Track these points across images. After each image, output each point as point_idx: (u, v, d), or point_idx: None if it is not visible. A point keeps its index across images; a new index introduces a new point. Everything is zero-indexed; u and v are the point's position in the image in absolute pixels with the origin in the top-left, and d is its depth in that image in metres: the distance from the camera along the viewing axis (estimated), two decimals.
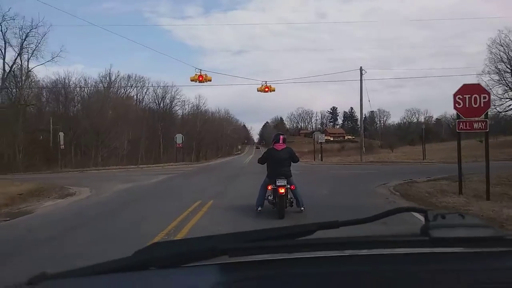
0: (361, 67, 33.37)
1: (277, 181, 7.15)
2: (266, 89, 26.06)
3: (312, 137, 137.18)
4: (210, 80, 23.28)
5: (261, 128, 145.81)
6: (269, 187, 7.42)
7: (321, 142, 36.12)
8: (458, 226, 0.78)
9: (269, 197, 7.54)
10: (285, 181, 7.18)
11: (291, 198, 7.52)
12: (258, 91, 26.33)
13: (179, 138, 36.97)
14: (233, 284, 0.78)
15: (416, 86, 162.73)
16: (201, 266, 0.87)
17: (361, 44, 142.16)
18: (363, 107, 33.67)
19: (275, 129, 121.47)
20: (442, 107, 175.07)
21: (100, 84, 62.32)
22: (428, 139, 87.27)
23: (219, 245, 0.83)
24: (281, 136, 7.94)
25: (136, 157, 52.64)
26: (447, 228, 0.77)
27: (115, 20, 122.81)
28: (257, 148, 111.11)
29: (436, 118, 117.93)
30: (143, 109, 63.58)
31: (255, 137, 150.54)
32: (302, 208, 7.52)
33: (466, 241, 0.78)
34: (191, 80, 22.85)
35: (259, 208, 7.50)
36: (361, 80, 33.13)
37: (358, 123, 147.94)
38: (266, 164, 7.80)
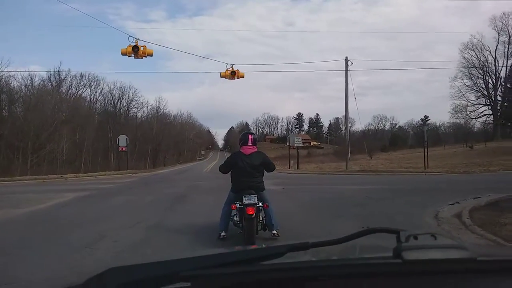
0: (346, 57, 27.05)
1: (244, 198, 5.03)
2: (232, 75, 18.96)
3: (278, 142, 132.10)
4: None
5: (226, 133, 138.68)
6: (234, 206, 5.18)
7: (297, 146, 29.46)
8: (431, 247, 0.75)
9: (234, 217, 5.32)
10: (255, 197, 5.06)
11: (264, 219, 5.29)
12: (221, 76, 19.17)
13: (122, 140, 29.10)
14: None
15: (379, 95, 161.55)
16: None
17: (328, 53, 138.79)
18: (348, 106, 27.28)
19: (240, 134, 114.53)
20: (406, 115, 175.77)
21: (49, 83, 53.78)
22: (398, 146, 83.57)
23: (180, 270, 0.75)
24: (250, 136, 5.63)
25: (79, 163, 44.01)
26: (419, 249, 0.74)
27: (78, 21, 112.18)
28: (221, 150, 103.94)
29: (399, 126, 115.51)
30: (93, 111, 54.98)
31: (220, 142, 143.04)
32: (275, 232, 5.29)
33: (439, 262, 0.74)
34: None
35: (223, 234, 5.36)
36: (346, 72, 26.80)
37: (323, 129, 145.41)
38: (230, 173, 5.49)
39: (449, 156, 33.80)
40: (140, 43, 15.38)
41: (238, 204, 5.14)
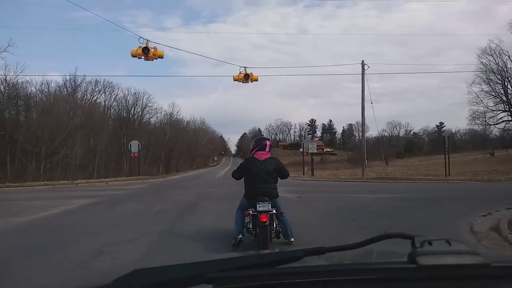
0: (362, 61, 26.20)
1: (258, 205, 4.89)
2: (246, 78, 18.29)
3: (291, 148, 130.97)
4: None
5: (239, 139, 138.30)
6: (247, 213, 5.04)
7: (311, 153, 28.56)
8: (445, 253, 0.76)
9: (248, 224, 5.18)
10: (269, 204, 4.92)
11: (278, 226, 5.15)
12: (235, 80, 18.53)
13: (134, 145, 28.59)
14: None
15: (392, 102, 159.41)
16: None
17: (341, 59, 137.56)
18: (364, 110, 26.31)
19: (252, 140, 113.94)
20: (419, 122, 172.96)
21: (64, 89, 54.20)
22: (414, 153, 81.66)
23: (203, 273, 0.78)
24: (268, 142, 5.51)
25: (92, 169, 43.87)
26: (434, 255, 0.75)
27: (94, 27, 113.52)
28: (234, 156, 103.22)
29: (413, 132, 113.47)
30: (107, 116, 55.03)
31: (233, 148, 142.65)
32: (292, 240, 5.25)
33: (453, 268, 0.75)
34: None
35: (240, 236, 5.13)
36: (362, 76, 25.90)
37: (337, 135, 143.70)
38: (244, 179, 5.34)
39: (469, 163, 32.47)
40: (151, 45, 14.84)
41: (251, 211, 5.00)
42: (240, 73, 18.34)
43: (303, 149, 29.26)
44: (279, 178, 5.38)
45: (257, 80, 18.61)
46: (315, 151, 28.44)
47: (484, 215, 8.58)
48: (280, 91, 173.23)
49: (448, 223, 7.65)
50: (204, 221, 8.03)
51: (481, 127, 65.67)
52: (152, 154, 56.33)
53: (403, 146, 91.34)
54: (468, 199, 11.98)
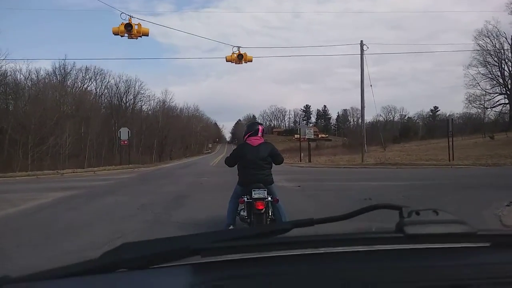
0: (361, 41, 24.88)
1: (253, 192, 4.63)
2: (239, 59, 16.93)
3: (286, 135, 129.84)
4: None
5: (233, 126, 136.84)
6: (242, 201, 4.76)
7: (308, 138, 27.37)
8: (432, 222, 0.76)
9: (241, 212, 4.85)
10: (265, 191, 4.66)
11: (273, 215, 4.77)
12: (227, 61, 17.17)
13: (124, 133, 27.13)
14: (206, 285, 0.73)
15: (386, 87, 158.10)
16: (172, 266, 0.80)
17: (334, 43, 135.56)
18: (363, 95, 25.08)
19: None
20: (413, 106, 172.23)
21: (54, 77, 52.45)
22: (409, 138, 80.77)
23: (191, 244, 0.77)
24: (260, 127, 5.15)
25: (83, 158, 42.47)
26: (421, 224, 0.75)
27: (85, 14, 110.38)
28: (228, 143, 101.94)
29: (408, 117, 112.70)
30: (99, 104, 53.30)
31: (227, 135, 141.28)
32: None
33: (440, 237, 0.76)
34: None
35: (231, 227, 4.74)
36: (361, 57, 24.63)
37: (331, 121, 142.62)
38: (237, 166, 5.04)
39: (470, 147, 31.48)
40: (134, 22, 13.43)
41: (246, 198, 4.74)
42: (233, 53, 16.98)
43: (299, 135, 28.03)
44: (274, 164, 5.10)
45: (251, 61, 17.28)
46: (312, 136, 27.26)
47: (508, 205, 7.53)
48: (274, 77, 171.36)
49: (472, 215, 6.54)
50: (193, 217, 6.85)
51: (478, 110, 64.95)
52: (144, 142, 54.91)
53: (398, 130, 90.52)
54: (481, 186, 10.91)
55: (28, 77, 45.11)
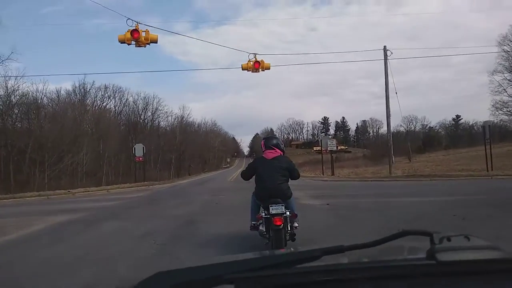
0: (385, 46, 23.22)
1: (271, 208, 4.58)
2: (256, 66, 15.61)
3: (304, 147, 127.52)
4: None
5: (251, 140, 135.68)
6: (260, 217, 4.78)
7: (331, 150, 25.68)
8: (465, 248, 0.75)
9: (260, 227, 4.81)
10: (283, 206, 4.60)
11: (293, 229, 4.76)
12: (243, 69, 15.86)
13: (138, 149, 26.04)
14: None
15: (405, 96, 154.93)
16: None
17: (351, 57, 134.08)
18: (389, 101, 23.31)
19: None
20: (433, 116, 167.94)
21: (74, 96, 52.70)
22: (433, 147, 77.60)
23: (224, 273, 0.79)
24: (275, 141, 5.21)
25: (101, 176, 41.81)
26: (453, 251, 0.74)
27: (107, 35, 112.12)
28: (247, 157, 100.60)
29: (429, 127, 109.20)
30: (117, 121, 53.03)
31: (245, 149, 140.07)
32: (296, 225, 4.85)
33: (473, 263, 0.74)
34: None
35: (253, 223, 4.97)
36: (385, 63, 22.98)
37: (350, 133, 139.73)
38: (254, 180, 5.00)
39: (504, 156, 29.09)
40: (142, 28, 12.28)
41: (264, 214, 4.70)
42: (249, 61, 15.67)
43: (321, 147, 26.36)
44: (290, 179, 5.06)
45: (269, 69, 15.91)
46: (335, 148, 25.55)
47: None
48: (291, 91, 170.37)
49: None
50: (203, 250, 5.39)
51: (505, 117, 61.68)
52: (162, 158, 54.12)
53: (421, 140, 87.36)
54: None
55: (46, 95, 45.00)
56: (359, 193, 13.56)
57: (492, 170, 19.24)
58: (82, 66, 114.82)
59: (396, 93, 22.96)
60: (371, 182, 19.05)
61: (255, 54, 15.69)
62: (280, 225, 4.48)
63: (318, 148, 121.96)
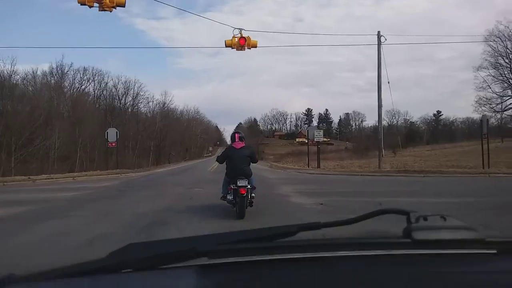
0: (378, 32, 21.69)
1: (238, 182, 6.49)
2: (242, 43, 13.77)
3: (287, 138, 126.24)
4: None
5: (234, 129, 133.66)
6: (230, 188, 6.71)
7: (317, 141, 24.17)
8: (440, 228, 0.75)
9: (228, 196, 6.76)
10: (246, 181, 6.59)
11: (252, 198, 6.81)
12: (226, 46, 13.98)
13: (111, 134, 23.85)
14: (213, 286, 0.73)
15: (388, 90, 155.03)
16: (179, 268, 0.78)
17: (337, 49, 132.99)
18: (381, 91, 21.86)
19: (248, 130, 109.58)
20: (414, 111, 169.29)
21: (51, 77, 49.54)
22: (416, 142, 77.45)
23: (198, 246, 0.77)
24: (237, 134, 7.23)
25: (74, 161, 39.37)
26: (429, 230, 0.74)
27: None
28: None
29: (410, 122, 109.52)
30: (96, 106, 50.14)
31: (228, 139, 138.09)
32: (253, 195, 6.87)
33: (448, 243, 0.75)
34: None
35: (230, 197, 6.71)
36: (378, 49, 21.49)
37: (333, 125, 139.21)
38: (225, 162, 6.99)
39: (493, 152, 28.19)
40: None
41: (232, 186, 6.54)
42: (234, 36, 13.84)
43: (307, 137, 24.79)
44: (251, 163, 7.02)
45: (255, 47, 14.12)
46: (322, 139, 24.04)
47: None
48: (276, 81, 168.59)
49: None
50: None
51: (489, 114, 61.48)
52: (141, 145, 51.76)
53: (403, 135, 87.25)
54: None
55: (17, 75, 41.98)
56: (353, 190, 12.02)
57: (488, 167, 18.07)
58: (60, 47, 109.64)
59: (388, 82, 21.52)
60: (362, 176, 17.61)
61: (240, 29, 13.88)
62: (244, 193, 6.36)
63: (301, 139, 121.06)
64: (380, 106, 21.67)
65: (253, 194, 6.75)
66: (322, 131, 24.56)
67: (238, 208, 6.38)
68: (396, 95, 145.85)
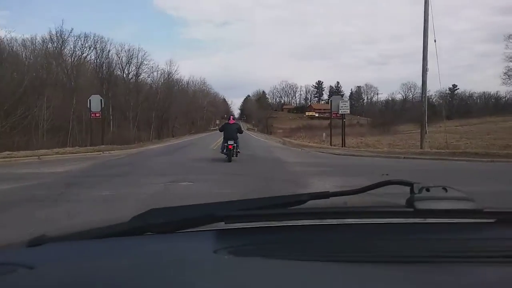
0: None
1: (228, 141, 11.73)
2: None
3: (296, 112, 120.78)
4: None
5: (242, 102, 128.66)
6: (224, 146, 11.87)
7: (342, 114, 19.78)
8: (442, 198, 0.78)
9: (224, 150, 11.86)
10: (233, 141, 11.71)
11: (237, 151, 12.01)
12: None
13: (95, 102, 19.42)
14: (229, 249, 0.75)
15: (400, 64, 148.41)
16: (197, 232, 0.84)
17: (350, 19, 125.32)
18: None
19: (257, 103, 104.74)
20: (429, 85, 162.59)
21: (50, 45, 45.07)
22: (436, 118, 72.22)
23: (215, 212, 0.81)
24: (231, 116, 13.05)
25: (66, 135, 35.55)
26: (431, 200, 0.77)
27: None
28: (237, 120, 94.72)
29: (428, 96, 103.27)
30: (97, 74, 45.72)
31: (236, 112, 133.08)
32: (239, 151, 12.23)
33: (448, 212, 0.78)
34: None
35: (224, 150, 11.90)
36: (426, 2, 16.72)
37: (344, 98, 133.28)
38: (223, 132, 12.10)
39: None
40: None
41: (226, 144, 11.71)
42: None
43: (331, 109, 20.31)
44: (238, 133, 12.00)
45: None
46: (348, 111, 19.59)
47: None
48: (286, 52, 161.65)
49: None
50: None
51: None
52: (144, 117, 47.74)
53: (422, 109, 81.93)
54: None
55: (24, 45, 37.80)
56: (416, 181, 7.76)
57: None
58: (60, 11, 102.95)
59: (435, 40, 16.73)
60: (409, 160, 13.30)
61: None
62: (231, 148, 11.57)
63: (311, 113, 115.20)
64: (425, 70, 17.05)
65: (238, 150, 12.11)
66: (348, 101, 20.05)
67: (228, 157, 11.68)
68: (410, 68, 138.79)
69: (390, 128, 38.88)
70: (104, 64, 43.82)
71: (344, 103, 19.77)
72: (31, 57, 41.35)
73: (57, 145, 26.83)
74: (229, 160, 11.45)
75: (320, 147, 19.10)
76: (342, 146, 19.56)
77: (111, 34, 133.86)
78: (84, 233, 0.85)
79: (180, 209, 0.87)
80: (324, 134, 30.98)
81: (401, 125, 45.83)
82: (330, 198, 0.87)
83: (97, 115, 19.59)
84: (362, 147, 21.63)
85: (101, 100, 19.45)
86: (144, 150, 18.86)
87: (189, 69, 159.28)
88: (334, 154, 15.73)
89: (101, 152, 16.42)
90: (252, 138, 37.63)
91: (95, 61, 47.20)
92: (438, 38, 16.45)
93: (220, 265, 0.69)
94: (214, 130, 77.82)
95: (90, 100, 19.51)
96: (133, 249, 0.78)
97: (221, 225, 0.80)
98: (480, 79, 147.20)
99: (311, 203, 0.87)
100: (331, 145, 20.26)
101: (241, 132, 11.99)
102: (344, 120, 19.97)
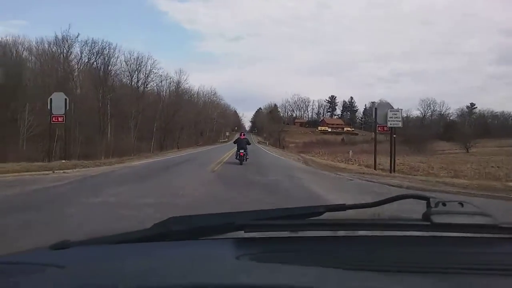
0: None
1: (240, 150, 15.66)
2: None
3: (308, 126, 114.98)
4: None
5: (254, 115, 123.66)
6: (237, 153, 15.89)
7: (392, 127, 14.36)
8: (458, 213, 0.78)
9: (237, 157, 15.78)
10: (243, 150, 15.60)
11: (246, 157, 15.89)
12: None
13: (57, 102, 14.18)
14: (248, 257, 0.75)
15: (411, 82, 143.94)
16: (218, 239, 0.85)
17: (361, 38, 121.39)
18: None
19: (269, 116, 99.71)
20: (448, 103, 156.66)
21: (55, 49, 40.88)
22: (459, 137, 66.16)
23: (235, 221, 0.82)
24: (242, 133, 17.39)
25: (49, 144, 30.40)
26: (447, 214, 0.77)
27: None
28: (248, 133, 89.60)
29: (441, 114, 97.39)
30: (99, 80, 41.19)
31: (247, 124, 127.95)
32: (248, 157, 16.19)
33: (464, 227, 0.78)
34: None
35: (237, 157, 15.82)
36: None
37: (357, 114, 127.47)
38: (236, 144, 16.16)
39: None
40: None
41: (239, 152, 15.76)
42: None
43: (375, 121, 14.87)
44: (247, 145, 16.20)
45: None
46: (400, 124, 14.19)
47: None
48: (299, 69, 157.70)
49: None
50: None
51: None
52: (145, 126, 42.88)
53: (441, 128, 75.62)
54: None
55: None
56: None
57: None
58: (67, 14, 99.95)
59: None
60: None
61: None
62: (243, 156, 15.67)
63: (324, 127, 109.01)
64: None
65: (247, 157, 16.03)
66: (400, 112, 14.60)
67: (240, 160, 15.47)
68: (422, 86, 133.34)
69: (425, 147, 33.19)
70: (102, 67, 39.14)
71: (395, 113, 14.33)
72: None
73: (40, 157, 21.92)
74: (241, 163, 15.23)
75: (363, 173, 13.65)
76: (391, 172, 14.06)
77: (125, 41, 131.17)
78: (107, 239, 0.85)
79: (199, 218, 0.87)
80: (350, 152, 25.46)
81: (430, 143, 40.08)
82: (346, 210, 0.86)
83: (59, 119, 14.39)
84: (413, 172, 16.13)
85: (65, 99, 14.28)
86: (118, 168, 13.51)
87: (202, 81, 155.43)
88: (394, 186, 10.22)
89: (52, 172, 11.17)
90: (265, 154, 31.76)
91: (101, 67, 43.14)
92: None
93: (240, 272, 0.70)
94: (224, 142, 72.51)
95: (51, 99, 14.34)
96: (154, 254, 0.78)
97: (241, 234, 0.80)
98: (493, 100, 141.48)
99: (327, 215, 0.86)
100: (375, 169, 14.79)
101: (249, 144, 16.55)
102: (395, 136, 14.48)
